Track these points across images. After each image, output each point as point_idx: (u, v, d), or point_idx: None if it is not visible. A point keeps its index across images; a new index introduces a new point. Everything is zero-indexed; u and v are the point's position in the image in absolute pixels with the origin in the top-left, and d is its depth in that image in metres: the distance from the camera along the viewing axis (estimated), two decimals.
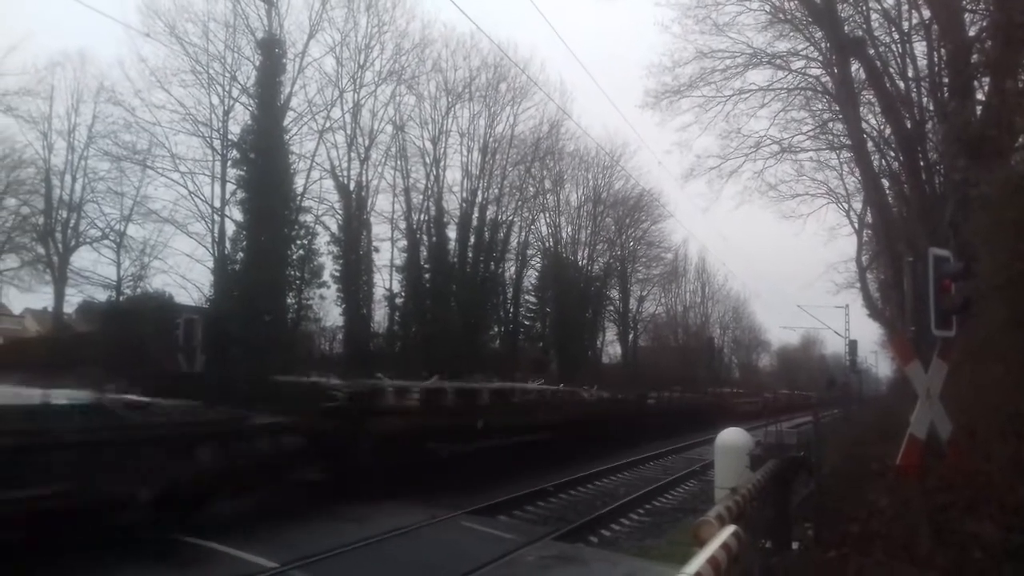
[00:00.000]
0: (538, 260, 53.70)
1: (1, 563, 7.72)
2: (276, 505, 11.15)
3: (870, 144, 24.06)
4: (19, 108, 35.70)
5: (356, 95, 39.45)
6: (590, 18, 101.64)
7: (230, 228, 35.42)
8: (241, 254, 34.31)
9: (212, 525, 10.03)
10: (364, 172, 39.99)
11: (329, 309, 39.65)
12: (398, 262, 41.85)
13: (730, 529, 4.05)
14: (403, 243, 41.85)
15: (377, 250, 41.19)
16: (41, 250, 38.82)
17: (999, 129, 12.18)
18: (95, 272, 37.05)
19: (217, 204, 35.72)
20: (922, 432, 7.27)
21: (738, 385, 69.68)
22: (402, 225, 41.91)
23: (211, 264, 35.50)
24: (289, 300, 35.83)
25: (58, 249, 37.98)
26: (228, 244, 35.14)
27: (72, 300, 38.06)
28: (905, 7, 21.56)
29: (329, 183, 39.08)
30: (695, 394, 48.50)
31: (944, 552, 7.09)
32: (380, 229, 41.95)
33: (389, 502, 13.11)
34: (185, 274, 36.28)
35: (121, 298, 35.85)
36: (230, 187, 35.46)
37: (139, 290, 36.76)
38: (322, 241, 38.41)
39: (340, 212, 39.19)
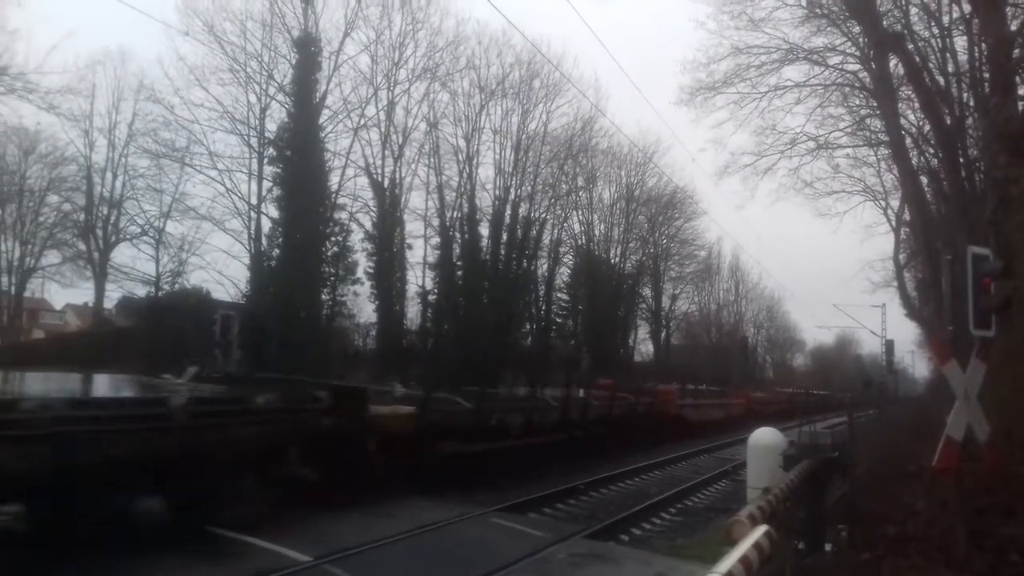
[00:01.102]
0: (570, 258, 53.83)
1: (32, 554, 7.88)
2: (305, 499, 11.21)
3: (908, 141, 23.73)
4: (61, 106, 36.37)
5: (390, 92, 39.78)
6: (625, 14, 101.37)
7: (266, 225, 35.97)
8: (277, 251, 34.73)
9: (243, 517, 10.09)
10: (398, 169, 40.31)
11: (363, 306, 40.08)
12: (431, 259, 42.14)
13: (762, 529, 4.05)
14: (436, 240, 42.13)
15: (410, 247, 41.57)
16: (82, 246, 39.68)
17: None
18: (135, 268, 37.82)
19: (254, 201, 36.25)
20: (959, 434, 7.16)
21: (763, 385, 67.79)
22: (435, 222, 42.19)
23: (247, 261, 36.07)
24: (324, 296, 36.23)
25: (99, 245, 38.73)
26: (264, 241, 35.63)
27: (112, 296, 38.92)
28: (945, 1, 21.21)
29: (363, 180, 39.50)
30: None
31: (981, 556, 7.01)
32: (413, 226, 42.35)
33: (419, 498, 13.17)
34: (222, 270, 36.98)
35: (160, 294, 36.45)
36: (266, 184, 36.00)
37: (177, 286, 37.42)
38: (356, 238, 38.87)
39: (374, 209, 39.54)
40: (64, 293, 45.09)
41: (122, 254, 38.87)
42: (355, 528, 10.97)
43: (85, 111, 38.75)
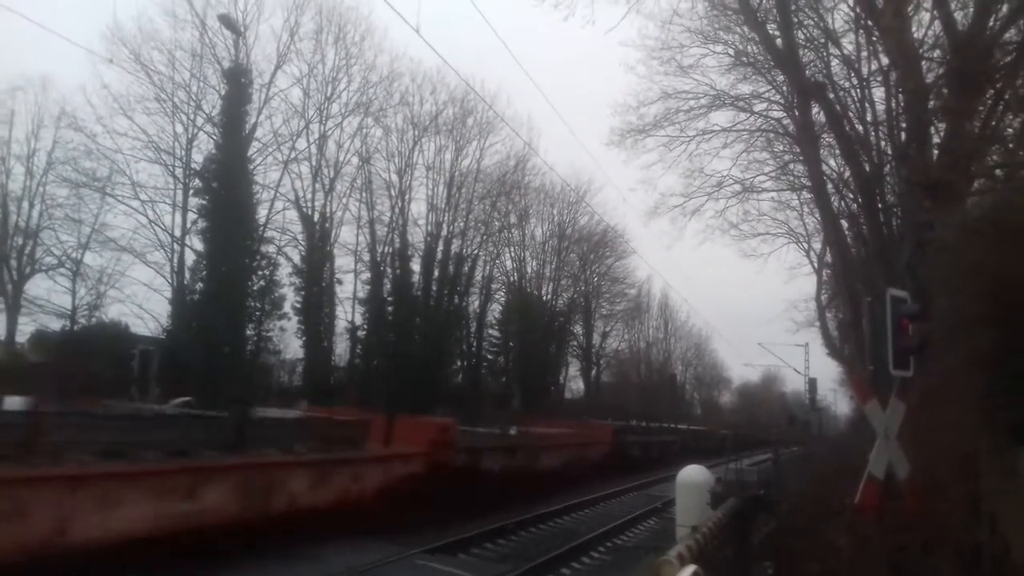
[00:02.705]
0: (502, 294, 53.87)
1: None
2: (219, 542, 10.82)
3: (830, 186, 24.45)
4: None
5: (322, 126, 39.57)
6: (558, 55, 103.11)
7: (190, 258, 35.03)
8: (200, 284, 33.82)
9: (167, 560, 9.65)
10: (329, 203, 39.97)
11: (289, 341, 39.30)
12: (361, 295, 41.73)
13: (691, 569, 4.01)
14: (366, 275, 41.72)
15: (340, 282, 41.08)
16: None
17: (956, 173, 12.44)
18: (49, 301, 36.28)
19: (177, 233, 35.34)
20: (880, 472, 7.30)
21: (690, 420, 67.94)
22: (366, 257, 41.84)
23: (169, 294, 35.02)
24: (249, 332, 35.35)
25: (12, 277, 37.12)
26: (187, 274, 34.70)
27: (25, 329, 37.15)
28: (864, 54, 22.08)
29: (293, 214, 39.01)
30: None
31: None
32: (343, 261, 41.89)
33: (343, 539, 12.85)
34: (142, 304, 35.70)
35: (76, 328, 35.08)
36: (191, 216, 35.14)
37: (94, 320, 36.01)
38: (284, 272, 38.25)
39: (303, 243, 39.02)
40: None
41: (37, 286, 37.29)
42: (277, 573, 10.62)
43: (2, 138, 37.43)
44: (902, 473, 7.55)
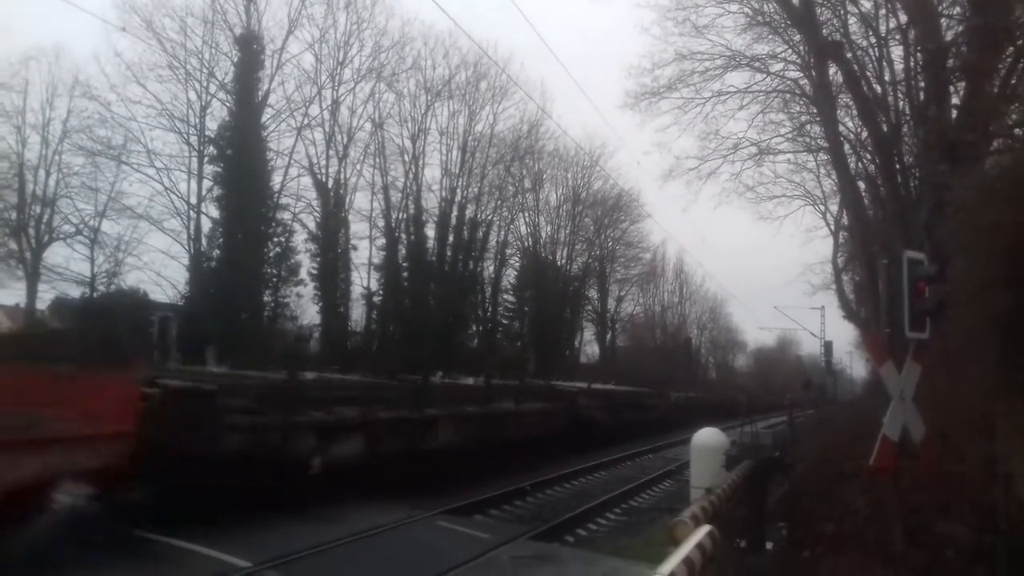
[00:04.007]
0: (517, 259, 53.87)
1: None
2: (246, 502, 10.96)
3: (847, 147, 24.23)
4: None
5: (335, 92, 39.36)
6: (571, 17, 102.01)
7: (206, 225, 35.20)
8: (217, 251, 34.06)
9: (178, 521, 9.78)
10: (343, 169, 39.91)
11: (306, 307, 39.43)
12: (376, 260, 41.73)
13: (705, 529, 4.06)
14: (381, 241, 41.74)
15: (355, 248, 41.12)
16: (13, 246, 38.17)
17: (974, 133, 12.30)
18: (68, 268, 36.66)
19: (193, 200, 35.47)
20: (895, 433, 7.31)
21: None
22: (380, 223, 41.82)
23: (187, 261, 35.26)
24: (266, 298, 35.59)
25: (31, 245, 37.44)
26: (204, 241, 34.90)
27: (45, 297, 37.50)
28: (883, 12, 21.71)
29: (307, 180, 38.98)
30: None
31: (917, 553, 7.16)
32: (358, 227, 41.87)
33: (364, 501, 13.02)
34: (160, 271, 36.01)
35: (95, 295, 35.41)
36: (207, 184, 35.24)
37: (113, 287, 36.33)
38: (299, 239, 38.27)
39: (318, 210, 39.03)
40: None
41: (55, 254, 37.67)
42: (297, 533, 10.79)
43: (18, 107, 37.44)
44: (917, 435, 7.56)
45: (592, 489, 18.37)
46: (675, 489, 18.62)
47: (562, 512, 14.66)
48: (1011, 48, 13.42)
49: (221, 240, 33.84)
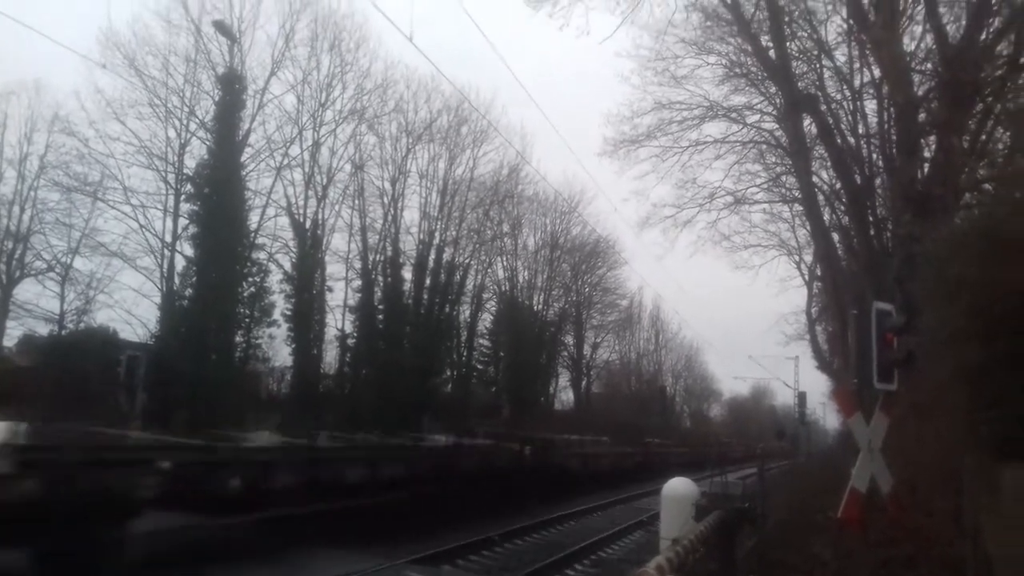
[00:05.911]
0: (493, 304, 53.74)
1: None
2: (207, 547, 10.67)
3: (821, 198, 24.61)
4: None
5: (316, 133, 39.35)
6: (552, 63, 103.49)
7: (180, 264, 34.78)
8: (190, 290, 33.57)
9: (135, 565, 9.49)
10: (321, 210, 39.72)
11: (279, 349, 38.92)
12: (351, 302, 41.35)
13: None
14: (357, 283, 41.40)
15: (331, 290, 40.78)
16: None
17: (944, 187, 12.48)
18: (38, 305, 35.96)
19: (168, 238, 35.10)
20: (863, 485, 7.26)
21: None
22: (357, 265, 41.55)
23: (159, 300, 34.77)
24: (238, 339, 35.13)
25: (1, 281, 36.92)
26: (177, 280, 34.44)
27: (13, 333, 36.89)
28: (857, 66, 22.21)
29: (284, 220, 38.70)
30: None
31: None
32: (334, 268, 41.57)
33: (328, 549, 12.74)
34: (131, 309, 35.38)
35: (63, 332, 34.84)
36: (183, 222, 34.90)
37: (82, 324, 35.75)
38: (274, 279, 37.87)
39: (294, 250, 38.76)
40: None
41: (26, 291, 36.90)
42: None
43: None
44: (885, 486, 7.51)
45: (562, 540, 18.12)
46: (645, 540, 18.41)
47: (530, 563, 14.41)
48: (981, 104, 13.72)
49: (195, 279, 33.38)
